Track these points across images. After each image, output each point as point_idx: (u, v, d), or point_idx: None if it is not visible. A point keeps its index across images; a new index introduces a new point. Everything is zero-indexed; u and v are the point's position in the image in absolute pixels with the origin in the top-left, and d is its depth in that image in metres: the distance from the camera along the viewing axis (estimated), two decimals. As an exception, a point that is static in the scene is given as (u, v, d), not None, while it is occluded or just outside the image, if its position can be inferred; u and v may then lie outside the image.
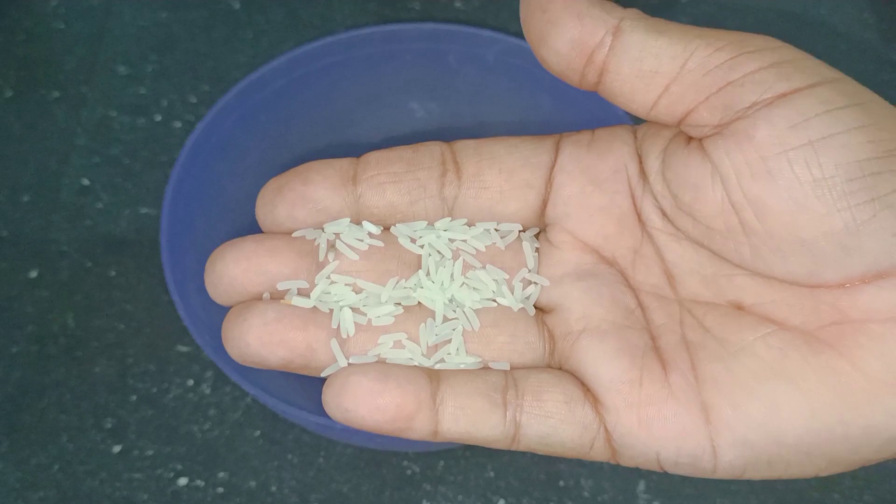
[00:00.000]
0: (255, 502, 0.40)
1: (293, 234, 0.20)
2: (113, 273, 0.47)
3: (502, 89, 0.43)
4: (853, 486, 0.40)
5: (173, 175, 0.38)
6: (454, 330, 0.19)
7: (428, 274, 0.19)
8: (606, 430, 0.18)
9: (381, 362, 0.19)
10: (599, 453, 0.18)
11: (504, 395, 0.18)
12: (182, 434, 0.42)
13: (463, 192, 0.19)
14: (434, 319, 0.19)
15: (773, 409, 0.16)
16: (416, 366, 0.19)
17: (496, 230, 0.20)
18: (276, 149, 0.44)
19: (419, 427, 0.18)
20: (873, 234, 0.15)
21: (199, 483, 0.41)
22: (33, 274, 0.47)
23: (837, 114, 0.15)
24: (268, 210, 0.20)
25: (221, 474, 0.41)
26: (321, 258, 0.19)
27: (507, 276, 0.19)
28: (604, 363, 0.18)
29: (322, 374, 0.19)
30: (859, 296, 0.16)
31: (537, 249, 0.20)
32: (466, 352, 0.19)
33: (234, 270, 0.19)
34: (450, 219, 0.19)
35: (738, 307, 0.18)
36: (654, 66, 0.17)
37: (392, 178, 0.19)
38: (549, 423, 0.18)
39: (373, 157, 0.19)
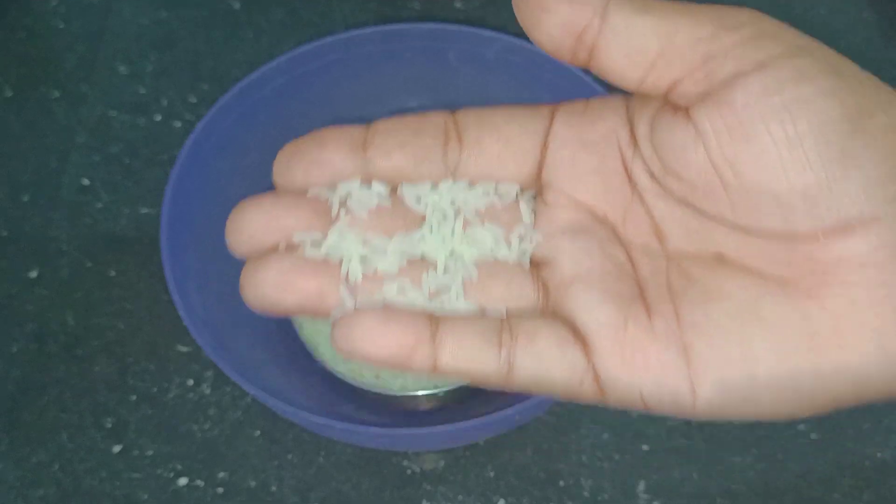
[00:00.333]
0: (255, 502, 0.40)
1: (308, 194, 0.21)
2: (113, 272, 0.47)
3: (502, 88, 0.43)
4: (853, 485, 0.40)
5: (173, 174, 0.38)
6: (454, 279, 0.21)
7: (431, 231, 0.21)
8: (595, 371, 0.19)
9: (385, 307, 0.21)
10: (589, 393, 0.19)
11: (499, 336, 0.20)
12: (182, 433, 0.42)
13: (464, 157, 0.21)
14: (436, 270, 0.21)
15: (748, 350, 0.18)
16: (417, 310, 0.20)
17: (495, 191, 0.22)
18: (275, 148, 0.43)
19: (419, 361, 0.20)
20: (843, 190, 0.17)
21: (199, 482, 0.41)
22: (33, 273, 0.47)
23: (811, 79, 0.17)
24: (284, 171, 0.22)
25: (221, 474, 0.41)
26: (333, 214, 0.21)
27: (504, 232, 0.21)
28: (592, 309, 0.19)
29: (331, 317, 0.21)
30: (831, 246, 0.17)
31: (533, 209, 0.21)
32: (465, 299, 0.21)
33: (253, 224, 0.21)
34: (452, 181, 0.21)
35: (720, 259, 0.19)
36: (641, 45, 0.18)
37: (399, 145, 0.21)
38: (542, 362, 0.19)
39: (382, 125, 0.21)
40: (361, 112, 0.45)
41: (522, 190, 0.22)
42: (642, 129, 0.20)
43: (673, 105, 0.19)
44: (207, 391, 0.43)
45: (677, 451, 0.41)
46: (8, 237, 0.48)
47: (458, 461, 0.41)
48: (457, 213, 0.21)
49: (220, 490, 0.40)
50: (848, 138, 0.17)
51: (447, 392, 0.39)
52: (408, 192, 0.21)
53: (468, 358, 0.20)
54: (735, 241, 0.19)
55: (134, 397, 0.43)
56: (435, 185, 0.21)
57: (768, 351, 0.18)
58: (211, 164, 0.40)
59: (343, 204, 0.21)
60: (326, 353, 0.41)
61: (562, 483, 0.40)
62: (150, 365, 0.44)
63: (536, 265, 0.21)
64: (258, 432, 0.42)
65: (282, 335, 0.42)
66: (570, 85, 0.40)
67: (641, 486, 0.40)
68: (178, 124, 0.52)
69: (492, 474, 0.41)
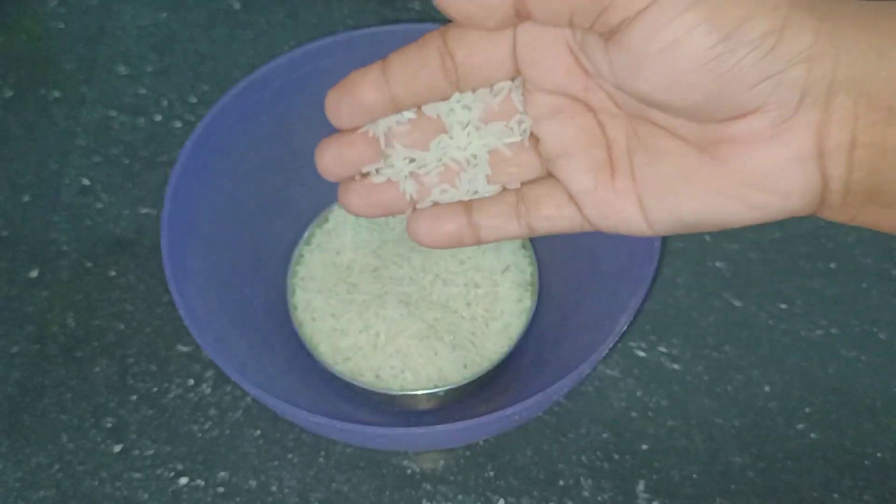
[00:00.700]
0: (255, 502, 0.40)
1: (359, 131, 0.28)
2: (113, 273, 0.47)
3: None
4: (853, 486, 0.40)
5: (174, 175, 0.38)
6: (478, 174, 0.28)
7: (452, 138, 0.28)
8: (587, 220, 0.27)
9: (435, 205, 0.28)
10: (588, 228, 0.28)
11: (517, 209, 0.28)
12: (182, 434, 0.42)
13: (461, 73, 0.27)
14: (464, 171, 0.28)
15: (678, 200, 0.25)
16: (457, 202, 0.28)
17: (492, 91, 0.27)
18: (276, 149, 0.44)
19: (467, 240, 0.29)
20: (739, 89, 0.22)
21: (200, 483, 0.41)
22: (33, 274, 0.47)
23: (684, 14, 0.21)
24: (335, 117, 0.28)
25: (222, 474, 0.41)
26: (382, 146, 0.28)
27: (506, 123, 0.27)
28: (574, 180, 0.27)
29: (405, 216, 0.29)
30: (735, 125, 0.23)
31: (522, 97, 0.27)
32: (489, 183, 0.28)
33: (327, 161, 0.29)
34: (458, 93, 0.27)
35: (657, 124, 0.25)
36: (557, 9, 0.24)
37: (412, 76, 0.27)
38: (550, 222, 0.28)
39: (393, 60, 0.27)
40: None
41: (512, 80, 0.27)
42: (577, 38, 0.25)
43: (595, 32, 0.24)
44: (208, 391, 0.43)
45: (677, 450, 0.41)
46: (8, 238, 0.48)
47: (458, 461, 0.41)
48: (468, 122, 0.27)
49: (221, 490, 0.41)
50: (731, 51, 0.21)
51: (447, 392, 0.39)
52: (429, 111, 0.27)
53: (499, 230, 0.28)
54: (664, 117, 0.25)
55: (134, 398, 0.43)
56: (447, 100, 0.27)
57: (692, 202, 0.25)
58: (211, 165, 0.40)
59: (387, 135, 0.28)
60: (326, 353, 0.41)
61: (561, 483, 0.40)
62: (151, 365, 0.44)
63: (534, 140, 0.28)
64: (258, 432, 0.42)
65: (282, 335, 0.42)
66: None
67: (641, 485, 0.40)
68: (178, 125, 0.52)
69: (492, 474, 0.41)
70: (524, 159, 0.28)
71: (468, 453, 0.41)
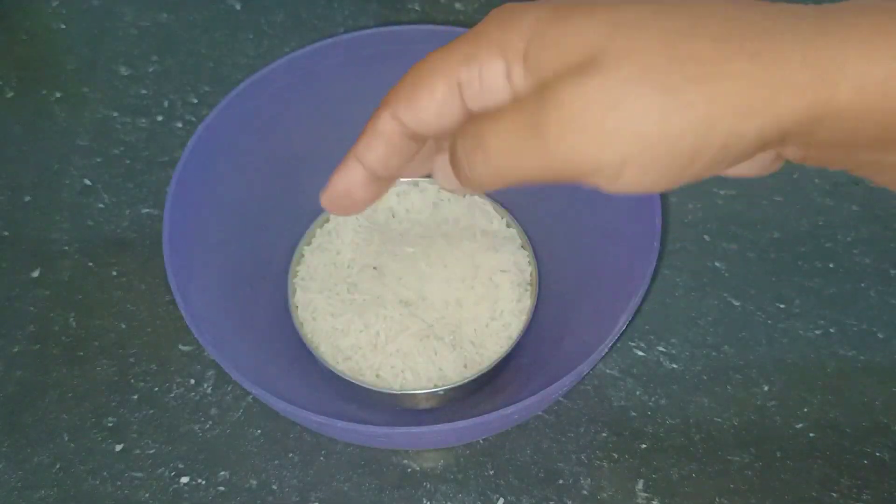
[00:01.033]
0: (256, 501, 0.40)
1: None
2: (114, 273, 0.47)
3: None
4: (851, 485, 0.40)
5: (175, 175, 0.38)
6: None
7: None
8: None
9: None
10: None
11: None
12: (183, 433, 0.42)
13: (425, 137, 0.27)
14: None
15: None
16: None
17: None
18: (276, 149, 0.44)
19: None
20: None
21: (201, 482, 0.41)
22: (35, 273, 0.47)
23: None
24: (338, 212, 0.30)
25: (222, 473, 0.41)
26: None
27: None
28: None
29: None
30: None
31: None
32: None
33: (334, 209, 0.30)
34: None
35: None
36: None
37: (388, 164, 0.28)
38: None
39: (366, 157, 0.28)
40: (362, 113, 0.45)
41: None
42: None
43: None
44: (209, 391, 0.43)
45: (676, 450, 0.41)
46: (9, 238, 0.49)
47: (458, 460, 0.41)
48: None
49: (222, 489, 0.41)
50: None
51: (447, 391, 0.40)
52: None
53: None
54: None
55: (135, 397, 0.43)
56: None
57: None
58: (212, 165, 0.40)
59: None
60: (327, 353, 0.41)
61: (561, 482, 0.41)
62: (152, 365, 0.44)
63: None
64: (259, 431, 0.42)
65: (282, 335, 0.42)
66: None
67: (640, 485, 0.40)
68: (179, 125, 0.53)
69: (491, 473, 0.41)
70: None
71: (468, 452, 0.41)
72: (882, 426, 0.42)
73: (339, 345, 0.41)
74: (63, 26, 0.58)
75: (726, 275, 0.46)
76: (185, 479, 0.41)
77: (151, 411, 0.43)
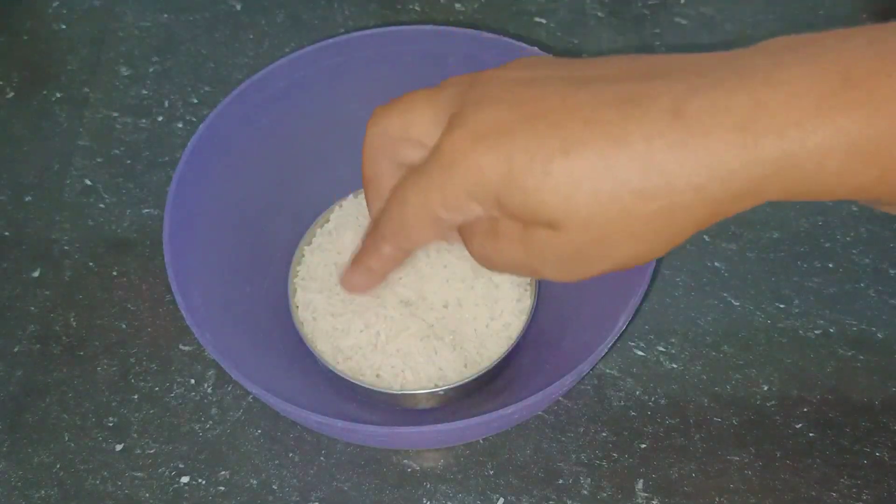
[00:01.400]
0: (256, 501, 0.40)
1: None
2: (115, 273, 0.47)
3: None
4: (851, 484, 0.40)
5: (176, 175, 0.38)
6: None
7: None
8: None
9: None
10: None
11: None
12: (184, 433, 0.42)
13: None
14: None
15: None
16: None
17: None
18: (277, 149, 0.44)
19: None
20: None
21: (201, 481, 0.41)
22: (36, 273, 0.47)
23: None
24: (355, 291, 0.37)
25: (223, 473, 0.41)
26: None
27: None
28: None
29: None
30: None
31: None
32: None
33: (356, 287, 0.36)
34: None
35: None
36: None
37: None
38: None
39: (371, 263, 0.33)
40: (362, 114, 0.45)
41: None
42: None
43: None
44: (209, 390, 0.43)
45: (675, 449, 0.41)
46: (10, 238, 0.49)
47: (458, 460, 0.41)
48: None
49: (222, 489, 0.41)
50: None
51: (447, 391, 0.40)
52: None
53: None
54: None
55: (136, 397, 0.43)
56: None
57: None
58: (213, 166, 0.40)
59: None
60: (327, 353, 0.41)
61: (561, 482, 0.41)
62: (153, 365, 0.44)
63: None
64: (259, 431, 0.42)
65: (283, 335, 0.42)
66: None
67: (640, 484, 0.41)
68: (179, 126, 0.53)
69: (491, 472, 0.41)
70: None
71: (468, 452, 0.41)
72: (881, 426, 0.42)
73: (340, 345, 0.41)
74: (64, 27, 0.58)
75: (726, 275, 0.47)
76: (185, 479, 0.41)
77: (152, 411, 0.43)
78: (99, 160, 0.51)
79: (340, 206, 0.45)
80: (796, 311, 0.45)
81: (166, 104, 0.54)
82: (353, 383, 0.40)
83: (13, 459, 0.42)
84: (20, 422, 0.43)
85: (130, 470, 0.41)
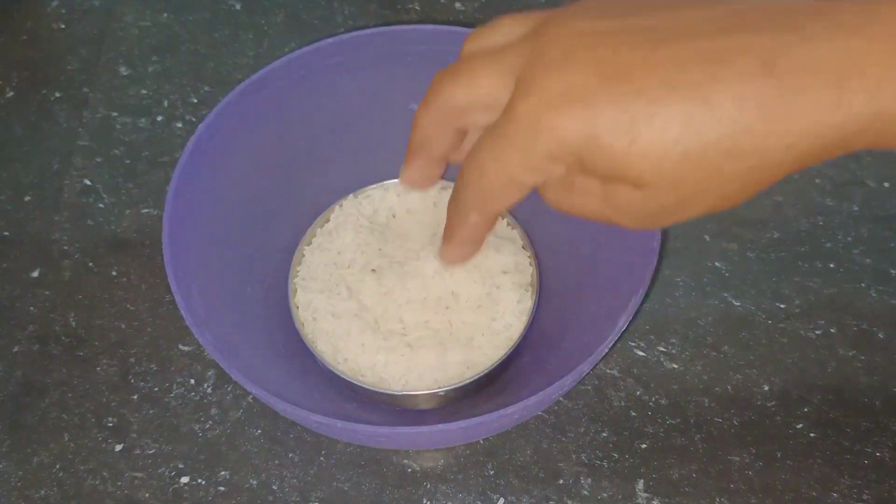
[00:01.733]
0: (256, 501, 0.40)
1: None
2: (115, 273, 0.47)
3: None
4: (851, 485, 0.40)
5: (175, 175, 0.38)
6: None
7: None
8: None
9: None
10: None
11: None
12: (184, 433, 0.42)
13: None
14: None
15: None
16: None
17: None
18: (277, 149, 0.44)
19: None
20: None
21: (201, 481, 0.41)
22: (35, 274, 0.47)
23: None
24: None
25: (223, 473, 0.41)
26: None
27: None
28: None
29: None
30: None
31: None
32: None
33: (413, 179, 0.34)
34: None
35: None
36: None
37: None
38: None
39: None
40: (362, 113, 0.45)
41: None
42: None
43: None
44: (209, 391, 0.43)
45: (676, 449, 0.41)
46: (10, 238, 0.49)
47: (458, 460, 0.41)
48: None
49: (222, 489, 0.41)
50: None
51: (447, 391, 0.40)
52: None
53: None
54: None
55: (136, 397, 0.43)
56: None
57: None
58: (213, 166, 0.40)
59: None
60: (327, 353, 0.41)
61: (561, 482, 0.41)
62: (152, 365, 0.44)
63: None
64: (259, 431, 0.42)
65: (283, 335, 0.42)
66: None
67: (640, 484, 0.40)
68: (179, 125, 0.53)
69: (491, 472, 0.41)
70: None
71: (468, 452, 0.41)
72: (882, 426, 0.42)
73: (340, 345, 0.41)
74: (63, 26, 0.58)
75: (726, 275, 0.46)
76: (185, 479, 0.41)
77: (152, 411, 0.43)
78: (98, 160, 0.51)
79: (340, 206, 0.45)
80: (797, 311, 0.45)
81: (166, 104, 0.54)
82: (352, 383, 0.40)
83: (13, 459, 0.42)
84: (20, 422, 0.43)
85: (130, 470, 0.41)
